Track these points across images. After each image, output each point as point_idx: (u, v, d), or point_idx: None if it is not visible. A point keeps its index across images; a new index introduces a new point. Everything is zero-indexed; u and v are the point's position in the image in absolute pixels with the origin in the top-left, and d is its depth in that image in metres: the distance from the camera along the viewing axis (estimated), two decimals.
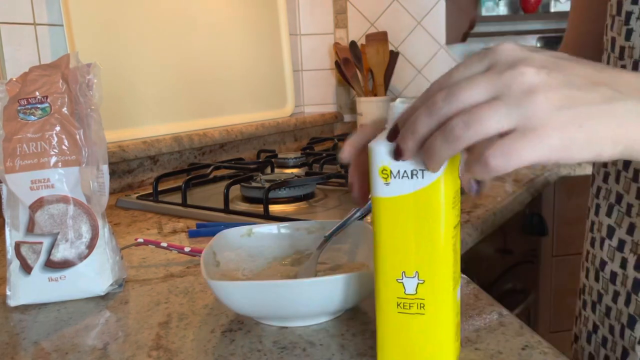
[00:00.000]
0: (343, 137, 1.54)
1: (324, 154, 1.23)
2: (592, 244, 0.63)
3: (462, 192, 0.40)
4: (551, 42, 1.84)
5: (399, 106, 0.38)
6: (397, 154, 0.36)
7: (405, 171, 0.37)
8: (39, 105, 0.58)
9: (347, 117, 1.82)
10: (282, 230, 0.62)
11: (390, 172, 0.38)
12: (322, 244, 0.57)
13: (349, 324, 0.50)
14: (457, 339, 0.41)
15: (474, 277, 0.62)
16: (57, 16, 1.04)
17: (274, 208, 0.91)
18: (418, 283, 0.39)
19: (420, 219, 0.38)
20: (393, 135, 0.36)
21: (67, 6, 1.03)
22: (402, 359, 0.41)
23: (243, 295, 0.48)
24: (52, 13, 1.04)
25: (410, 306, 0.40)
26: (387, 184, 0.38)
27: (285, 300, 0.47)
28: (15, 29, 0.99)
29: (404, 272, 0.39)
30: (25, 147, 0.57)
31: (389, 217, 0.39)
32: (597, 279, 0.61)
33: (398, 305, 0.40)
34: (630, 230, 0.56)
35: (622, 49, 0.55)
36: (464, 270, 0.63)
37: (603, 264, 0.59)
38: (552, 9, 1.78)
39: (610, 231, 0.58)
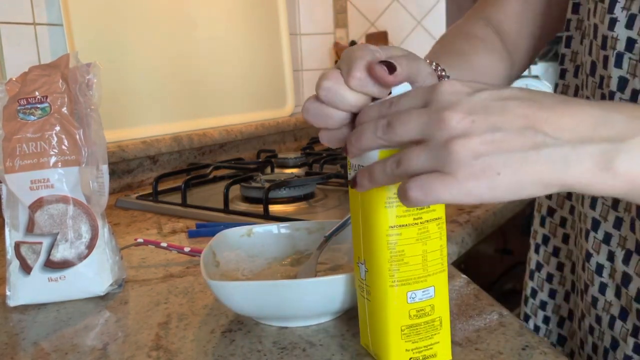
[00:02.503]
0: None
1: (324, 154, 1.23)
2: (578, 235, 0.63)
3: None
4: (551, 41, 1.84)
5: None
6: (344, 151, 0.39)
7: (357, 165, 0.41)
8: (38, 105, 0.58)
9: None
10: (282, 231, 0.62)
11: (351, 164, 0.42)
12: (322, 244, 0.57)
13: (349, 324, 0.50)
14: (412, 341, 0.41)
15: (474, 277, 0.62)
16: (57, 16, 1.04)
17: (274, 208, 0.91)
18: (365, 271, 0.42)
19: (364, 212, 0.41)
20: (352, 126, 0.40)
21: (67, 6, 1.03)
22: (365, 338, 0.45)
23: (243, 296, 0.47)
24: (51, 13, 1.04)
25: (363, 290, 0.43)
26: (350, 174, 0.42)
27: (285, 301, 0.47)
28: (15, 28, 0.99)
29: (359, 257, 0.43)
30: (24, 147, 0.57)
31: (352, 205, 0.43)
32: (583, 269, 0.61)
33: (358, 286, 0.44)
34: (617, 224, 0.56)
35: (605, 38, 0.53)
36: (464, 270, 0.64)
37: (588, 255, 0.59)
38: None
39: (595, 223, 0.58)
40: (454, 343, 0.46)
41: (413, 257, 0.40)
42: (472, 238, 0.81)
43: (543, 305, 0.72)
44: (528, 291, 0.73)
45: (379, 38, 1.69)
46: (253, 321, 0.52)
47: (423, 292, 0.41)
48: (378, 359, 0.43)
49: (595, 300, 0.59)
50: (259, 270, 0.59)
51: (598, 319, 0.59)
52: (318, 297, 0.48)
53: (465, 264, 0.84)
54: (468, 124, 0.32)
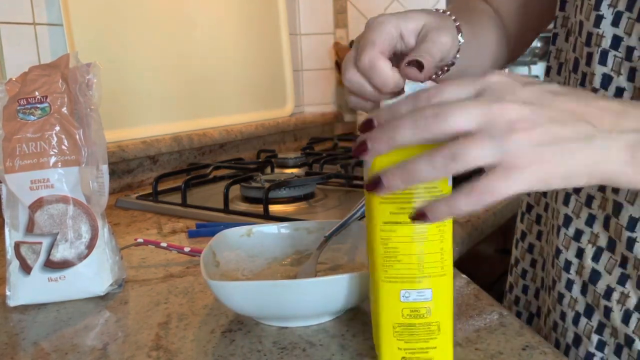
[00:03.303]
0: (343, 137, 1.54)
1: (324, 154, 1.23)
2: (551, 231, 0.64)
3: None
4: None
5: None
6: (361, 151, 0.35)
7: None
8: (38, 105, 0.58)
9: (347, 117, 1.82)
10: (282, 231, 0.62)
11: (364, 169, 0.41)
12: (322, 244, 0.57)
13: (349, 324, 0.50)
14: (405, 340, 0.41)
15: (474, 277, 0.62)
16: (57, 16, 1.04)
17: (274, 208, 0.91)
18: (368, 265, 0.43)
19: (366, 206, 0.42)
20: (365, 128, 0.36)
21: (67, 6, 1.03)
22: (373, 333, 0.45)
23: (243, 296, 0.47)
24: (51, 13, 1.04)
25: (370, 283, 0.44)
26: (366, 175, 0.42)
27: (286, 301, 0.47)
28: (15, 28, 0.99)
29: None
30: (24, 147, 0.57)
31: (366, 202, 0.43)
32: (552, 265, 0.62)
33: (370, 280, 0.45)
34: (590, 221, 0.56)
35: (590, 35, 0.54)
36: (464, 270, 0.64)
37: (558, 251, 0.60)
38: None
39: (567, 220, 0.58)
40: (454, 343, 0.46)
41: (407, 256, 0.40)
42: (472, 238, 0.81)
43: (517, 301, 0.73)
44: (507, 286, 0.75)
45: None
46: (253, 321, 0.52)
47: (418, 292, 0.40)
48: (376, 353, 0.43)
49: (561, 297, 0.60)
50: (259, 270, 0.59)
51: (563, 315, 0.60)
52: (318, 297, 0.48)
53: (465, 264, 0.84)
54: (528, 112, 0.33)
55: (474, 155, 0.32)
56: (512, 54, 0.69)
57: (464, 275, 0.61)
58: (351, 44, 1.69)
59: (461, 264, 0.82)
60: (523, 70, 1.88)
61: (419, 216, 0.34)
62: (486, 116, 0.33)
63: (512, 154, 0.32)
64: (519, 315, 0.73)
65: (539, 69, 1.91)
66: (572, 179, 0.34)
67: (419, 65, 0.40)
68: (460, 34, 0.49)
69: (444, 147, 0.33)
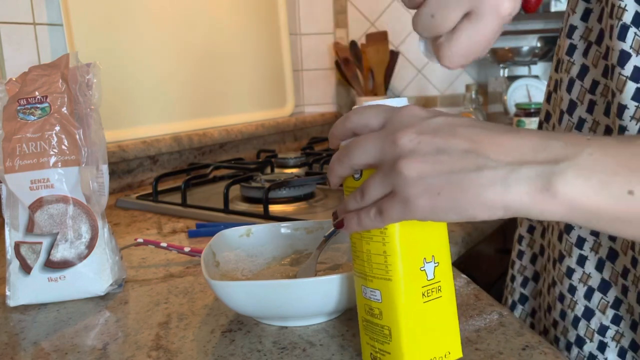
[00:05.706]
0: None
1: (324, 154, 1.23)
2: None
3: None
4: (551, 41, 1.84)
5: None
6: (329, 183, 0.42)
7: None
8: (38, 105, 0.58)
9: None
10: (281, 230, 0.62)
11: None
12: (322, 244, 0.57)
13: (349, 324, 0.50)
14: (370, 337, 0.42)
15: (474, 277, 0.62)
16: (57, 16, 1.04)
17: (274, 208, 0.91)
18: None
19: None
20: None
21: (67, 6, 1.03)
22: None
23: (245, 295, 0.47)
24: (51, 13, 1.04)
25: None
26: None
27: (286, 300, 0.47)
28: (15, 28, 0.99)
29: None
30: (24, 147, 0.57)
31: None
32: (560, 240, 0.61)
33: None
34: None
35: (613, 6, 0.51)
36: (464, 270, 0.64)
37: (569, 227, 0.59)
38: (553, 9, 1.78)
39: None
40: None
41: (360, 252, 0.41)
42: (472, 238, 0.81)
43: (512, 264, 0.74)
44: (512, 252, 0.76)
45: (379, 38, 1.69)
46: (253, 321, 0.52)
47: (371, 291, 0.41)
48: None
49: (571, 271, 0.60)
50: (259, 270, 0.59)
51: (572, 289, 0.60)
52: (318, 296, 0.48)
53: (465, 264, 0.84)
54: (415, 144, 0.35)
55: (371, 192, 0.37)
56: None
57: (464, 275, 0.61)
58: (351, 43, 1.69)
59: (461, 264, 0.82)
60: (523, 70, 1.88)
61: (338, 224, 0.40)
62: (380, 151, 0.36)
63: (396, 185, 0.35)
64: (513, 278, 0.74)
65: (539, 68, 1.90)
66: (462, 211, 0.33)
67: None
68: None
69: (360, 186, 0.38)
